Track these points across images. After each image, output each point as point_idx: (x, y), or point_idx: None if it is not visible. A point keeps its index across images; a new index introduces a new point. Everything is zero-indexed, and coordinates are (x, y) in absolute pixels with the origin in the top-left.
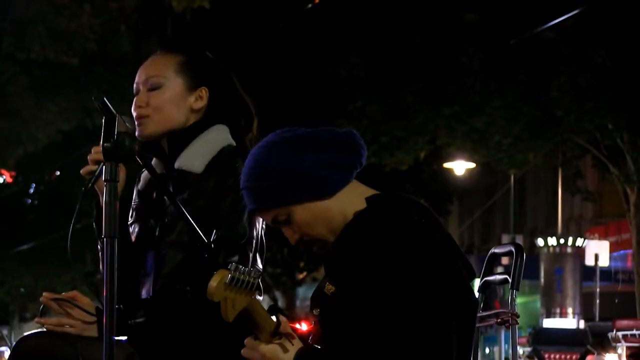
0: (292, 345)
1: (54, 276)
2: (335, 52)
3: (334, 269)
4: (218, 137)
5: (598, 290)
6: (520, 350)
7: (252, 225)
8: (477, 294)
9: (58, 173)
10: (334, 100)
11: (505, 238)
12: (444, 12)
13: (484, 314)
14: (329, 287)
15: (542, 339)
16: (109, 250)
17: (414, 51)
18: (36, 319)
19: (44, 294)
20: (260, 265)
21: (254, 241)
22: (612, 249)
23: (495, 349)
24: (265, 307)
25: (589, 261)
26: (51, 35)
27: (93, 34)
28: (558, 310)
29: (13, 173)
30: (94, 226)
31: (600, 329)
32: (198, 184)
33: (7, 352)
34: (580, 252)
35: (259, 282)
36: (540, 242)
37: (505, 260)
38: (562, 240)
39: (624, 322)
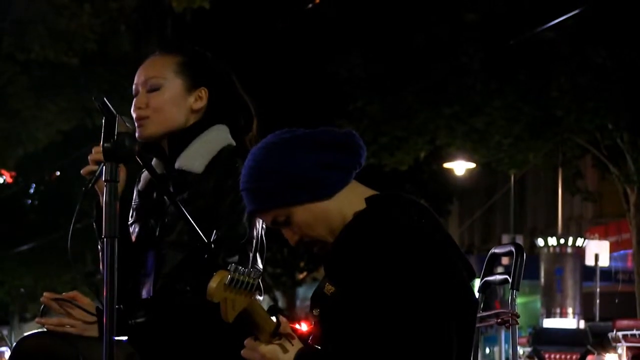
0: (292, 345)
1: (54, 276)
2: (335, 52)
3: (334, 269)
4: (218, 137)
5: (598, 290)
6: (520, 351)
7: (252, 225)
8: (477, 294)
9: (58, 173)
10: (335, 100)
11: (505, 238)
12: (445, 12)
13: (484, 314)
14: (329, 287)
15: (543, 339)
16: (109, 251)
17: (415, 51)
18: (37, 319)
19: (45, 294)
20: (260, 265)
21: (254, 241)
22: (612, 249)
23: (496, 349)
24: (266, 307)
25: (589, 261)
26: (51, 35)
27: (93, 34)
28: (558, 310)
29: (13, 173)
30: (94, 226)
31: (601, 329)
32: (198, 184)
33: (7, 353)
34: (580, 252)
35: (259, 282)
36: (540, 242)
37: (505, 260)
38: (562, 240)
39: (624, 322)
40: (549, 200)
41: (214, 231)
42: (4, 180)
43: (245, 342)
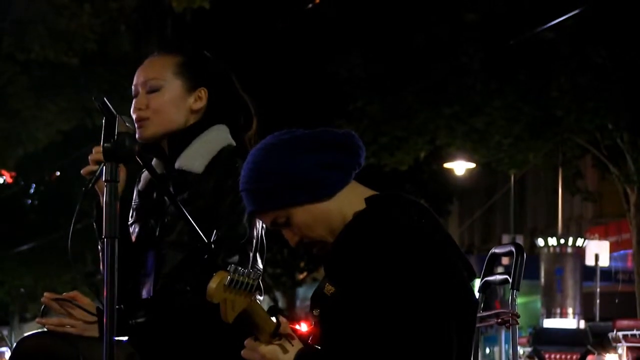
0: (292, 346)
1: (54, 276)
2: (335, 52)
3: (334, 269)
4: (218, 137)
5: (598, 290)
6: (520, 351)
7: (252, 225)
8: (477, 294)
9: (58, 173)
10: (335, 100)
11: (505, 238)
12: (445, 12)
13: (484, 314)
14: (329, 287)
15: (543, 339)
16: (110, 251)
17: (415, 51)
18: (37, 319)
19: (45, 294)
20: (260, 265)
21: (254, 241)
22: (613, 249)
23: (496, 349)
24: (266, 307)
25: (589, 261)
26: (51, 35)
27: (93, 34)
28: (558, 311)
29: (13, 173)
30: (94, 226)
31: (601, 329)
32: (198, 184)
33: (7, 353)
34: (580, 252)
35: (259, 283)
36: (540, 242)
37: (505, 260)
38: (562, 240)
39: (625, 322)
40: (549, 200)
41: (214, 231)
42: (4, 180)
43: (245, 342)
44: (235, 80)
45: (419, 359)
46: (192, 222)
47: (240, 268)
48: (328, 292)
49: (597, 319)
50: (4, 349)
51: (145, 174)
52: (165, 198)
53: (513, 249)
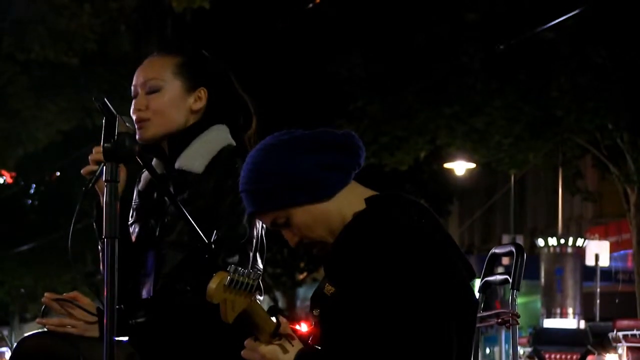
0: (292, 346)
1: (54, 276)
2: (336, 52)
3: (334, 269)
4: (218, 137)
5: (598, 290)
6: (520, 351)
7: (252, 225)
8: (477, 294)
9: (58, 173)
10: (335, 100)
11: (505, 238)
12: (445, 12)
13: (485, 314)
14: (329, 287)
15: (543, 339)
16: (110, 251)
17: (415, 51)
18: (38, 320)
19: (46, 294)
20: (260, 265)
21: (254, 241)
22: (613, 249)
23: (496, 349)
24: (266, 307)
25: (590, 261)
26: (51, 35)
27: (93, 34)
28: (558, 311)
29: (13, 173)
30: (95, 226)
31: (601, 329)
32: (198, 184)
33: (7, 353)
34: (580, 252)
35: (259, 283)
36: (540, 242)
37: (505, 260)
38: (562, 240)
39: (625, 322)
40: (549, 200)
41: (214, 231)
42: (4, 180)
43: (245, 342)
44: (234, 80)
45: (419, 359)
46: (192, 222)
47: (240, 268)
48: (328, 292)
49: (597, 319)
50: (4, 349)
51: (145, 174)
52: (166, 198)
53: (513, 249)
